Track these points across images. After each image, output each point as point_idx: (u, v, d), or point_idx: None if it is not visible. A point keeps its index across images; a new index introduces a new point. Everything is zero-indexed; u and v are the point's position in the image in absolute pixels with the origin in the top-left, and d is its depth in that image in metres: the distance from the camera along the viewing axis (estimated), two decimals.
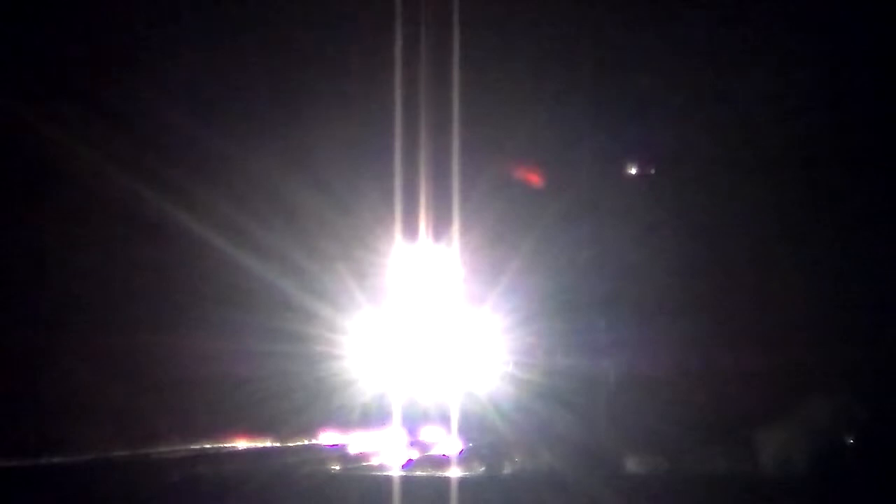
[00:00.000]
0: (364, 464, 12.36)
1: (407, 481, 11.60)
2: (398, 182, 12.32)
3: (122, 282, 12.40)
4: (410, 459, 12.40)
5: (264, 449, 12.36)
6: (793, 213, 12.44)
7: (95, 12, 12.50)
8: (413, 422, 12.42)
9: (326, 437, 12.50)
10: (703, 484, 11.54)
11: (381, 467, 12.29)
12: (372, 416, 12.37)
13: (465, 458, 12.36)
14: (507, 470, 12.29)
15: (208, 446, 12.19)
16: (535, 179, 12.90)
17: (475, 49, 12.42)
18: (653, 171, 12.96)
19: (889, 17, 12.25)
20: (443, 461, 12.33)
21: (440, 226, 12.47)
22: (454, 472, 12.05)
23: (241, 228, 12.20)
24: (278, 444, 12.40)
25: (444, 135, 12.36)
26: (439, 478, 11.89)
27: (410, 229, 12.43)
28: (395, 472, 11.98)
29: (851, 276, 12.25)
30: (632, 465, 12.21)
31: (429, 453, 12.46)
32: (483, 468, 12.30)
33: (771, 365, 12.10)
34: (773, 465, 12.00)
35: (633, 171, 13.01)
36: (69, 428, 11.93)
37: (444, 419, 12.37)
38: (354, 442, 12.48)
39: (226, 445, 12.30)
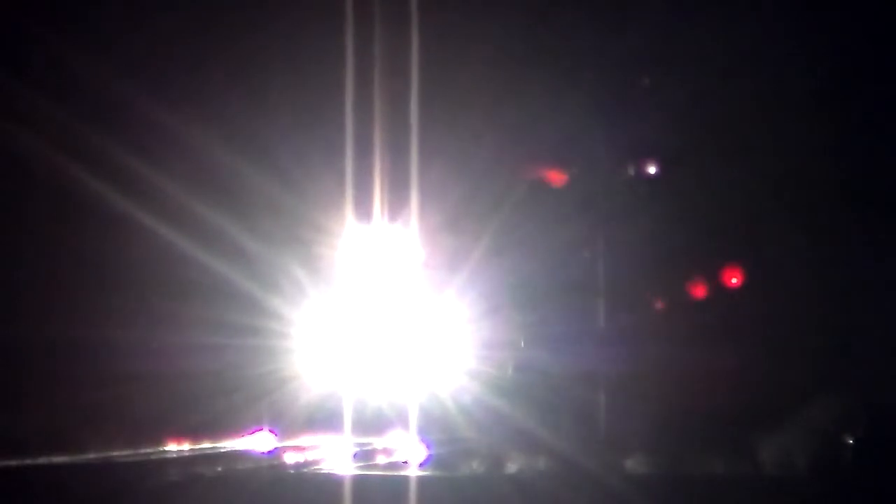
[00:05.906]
0: (315, 466, 11.63)
1: (360, 485, 10.92)
2: (350, 156, 11.75)
3: (48, 270, 11.84)
4: (365, 463, 11.66)
5: (199, 452, 11.58)
6: (792, 211, 12.18)
7: None
8: (368, 423, 11.69)
9: (270, 439, 11.80)
10: (699, 485, 11.23)
11: (334, 469, 11.53)
12: (323, 417, 11.67)
13: (427, 464, 11.65)
14: (471, 473, 11.63)
15: (141, 451, 11.42)
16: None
17: (435, 22, 11.90)
18: (634, 158, 12.46)
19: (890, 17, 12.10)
20: (401, 467, 11.63)
21: (396, 204, 11.91)
22: (412, 477, 11.32)
23: (181, 210, 11.57)
24: (210, 446, 11.64)
25: (400, 106, 11.82)
26: (396, 482, 11.21)
27: (364, 208, 11.86)
28: (348, 473, 11.30)
29: (853, 274, 12.08)
30: (623, 467, 11.70)
31: (389, 460, 11.73)
32: (447, 473, 11.56)
33: (770, 364, 11.91)
34: (772, 465, 11.73)
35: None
36: None
37: (404, 421, 11.67)
38: (303, 444, 11.76)
39: (159, 450, 11.55)
